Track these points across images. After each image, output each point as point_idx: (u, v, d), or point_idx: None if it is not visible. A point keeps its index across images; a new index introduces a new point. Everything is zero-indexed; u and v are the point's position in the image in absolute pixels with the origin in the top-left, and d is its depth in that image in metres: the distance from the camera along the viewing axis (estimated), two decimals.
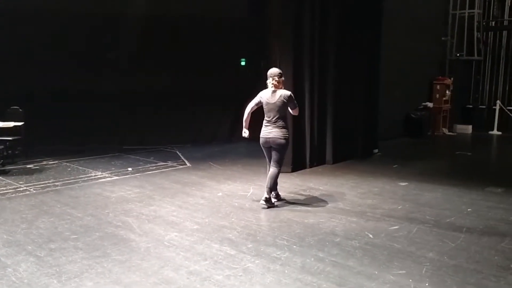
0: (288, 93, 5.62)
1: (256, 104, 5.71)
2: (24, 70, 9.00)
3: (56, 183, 6.73)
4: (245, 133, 5.82)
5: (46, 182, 6.81)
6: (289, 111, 5.74)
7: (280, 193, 5.98)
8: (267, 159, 5.83)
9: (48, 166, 7.95)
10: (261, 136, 5.66)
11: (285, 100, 5.55)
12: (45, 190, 6.37)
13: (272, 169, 5.65)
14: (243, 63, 11.32)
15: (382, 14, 9.33)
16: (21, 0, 9.01)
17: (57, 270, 3.80)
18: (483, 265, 3.97)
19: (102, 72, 9.71)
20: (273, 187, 5.70)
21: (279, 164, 5.67)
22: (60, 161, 8.32)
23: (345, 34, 8.43)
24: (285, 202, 5.89)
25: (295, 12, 7.69)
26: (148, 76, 10.09)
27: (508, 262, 4.04)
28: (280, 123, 5.57)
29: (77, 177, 7.16)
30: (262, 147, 5.73)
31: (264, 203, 5.61)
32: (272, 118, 5.59)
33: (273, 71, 5.68)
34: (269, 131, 5.59)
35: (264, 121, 5.67)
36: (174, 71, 10.28)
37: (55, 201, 5.83)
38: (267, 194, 5.64)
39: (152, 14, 9.88)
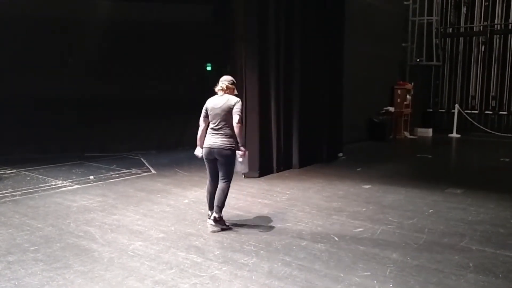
0: (237, 99, 4.98)
1: (204, 117, 5.04)
2: None
3: (15, 193, 6.48)
4: (198, 151, 5.04)
5: (4, 192, 6.54)
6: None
7: (247, 198, 5.64)
8: (208, 174, 5.10)
9: (6, 175, 7.64)
10: (204, 146, 4.96)
11: (231, 105, 4.90)
12: (3, 200, 6.11)
13: (221, 184, 4.94)
14: (209, 68, 11.26)
15: (344, 21, 9.53)
16: None
17: (16, 283, 3.65)
18: (444, 265, 4.08)
19: (62, 78, 9.45)
20: (223, 205, 4.96)
21: (228, 178, 4.97)
22: (18, 170, 8.01)
23: (309, 41, 8.55)
24: (252, 207, 5.87)
25: (260, 16, 7.72)
26: (111, 82, 9.90)
27: (467, 260, 4.17)
28: (227, 130, 4.90)
29: (36, 186, 6.92)
30: (205, 159, 5.00)
31: (214, 224, 4.91)
32: (217, 125, 4.92)
33: (225, 77, 5.17)
34: (213, 141, 4.91)
35: (209, 130, 5.01)
36: (137, 77, 10.11)
37: (13, 211, 5.60)
38: (217, 213, 4.90)
39: (114, 19, 9.70)
